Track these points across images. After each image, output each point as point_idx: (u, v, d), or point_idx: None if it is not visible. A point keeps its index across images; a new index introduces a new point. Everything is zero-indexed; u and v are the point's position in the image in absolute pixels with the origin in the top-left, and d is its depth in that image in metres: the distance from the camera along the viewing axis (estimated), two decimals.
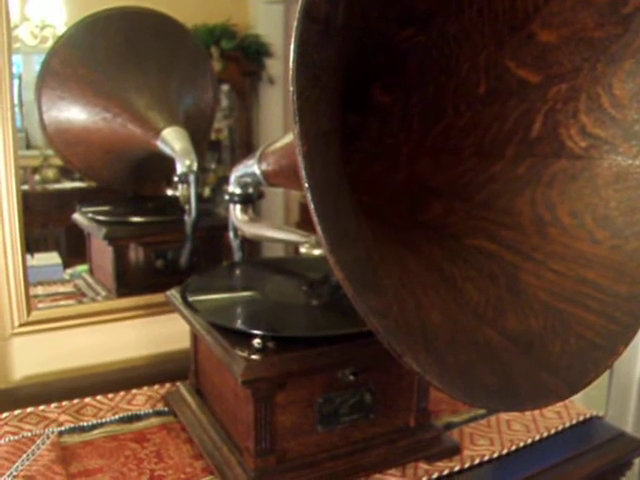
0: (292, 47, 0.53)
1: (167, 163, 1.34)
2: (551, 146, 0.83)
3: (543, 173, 0.84)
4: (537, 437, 1.09)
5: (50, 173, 1.37)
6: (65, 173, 1.39)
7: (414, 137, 0.93)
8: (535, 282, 0.80)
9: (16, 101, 1.25)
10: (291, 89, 0.53)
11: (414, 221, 0.90)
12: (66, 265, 1.40)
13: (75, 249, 1.42)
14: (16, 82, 1.26)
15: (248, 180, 1.13)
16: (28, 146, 1.34)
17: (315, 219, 0.54)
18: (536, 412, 1.15)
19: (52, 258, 1.37)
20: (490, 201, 0.86)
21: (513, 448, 1.05)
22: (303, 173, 0.53)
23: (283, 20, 1.52)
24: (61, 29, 1.28)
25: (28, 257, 1.26)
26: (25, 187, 1.25)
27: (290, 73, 0.53)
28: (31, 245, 1.28)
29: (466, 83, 0.87)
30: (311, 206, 0.53)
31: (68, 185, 1.40)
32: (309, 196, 0.53)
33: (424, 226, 0.89)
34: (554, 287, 0.79)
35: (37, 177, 1.36)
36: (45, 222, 1.36)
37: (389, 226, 0.85)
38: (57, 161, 1.37)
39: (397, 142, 0.95)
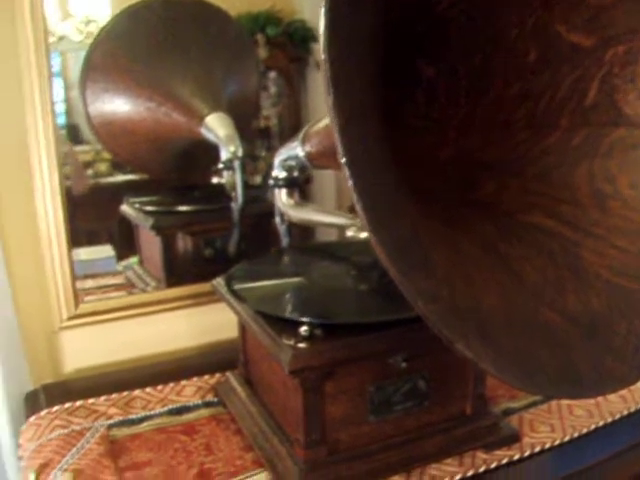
0: (322, 12, 0.50)
1: (213, 151, 1.31)
2: (608, 114, 0.78)
3: (600, 143, 0.79)
4: (601, 423, 1.03)
5: (102, 167, 1.36)
6: (117, 166, 1.38)
7: (462, 111, 0.89)
8: (596, 259, 0.75)
9: (62, 97, 1.27)
10: (323, 57, 0.50)
11: (465, 199, 0.85)
12: (120, 257, 1.39)
13: (129, 241, 1.42)
14: (60, 80, 1.26)
15: (292, 163, 1.10)
16: (80, 141, 1.33)
17: (354, 196, 0.50)
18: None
19: (105, 251, 1.37)
20: (545, 175, 0.82)
21: (576, 435, 1.00)
22: (340, 147, 0.50)
23: None
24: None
25: (81, 250, 1.27)
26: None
27: (321, 41, 0.50)
28: (85, 238, 1.30)
29: (514, 51, 0.82)
30: (349, 182, 0.50)
31: (120, 178, 1.39)
32: (347, 172, 0.49)
33: (476, 204, 0.84)
34: (617, 264, 0.75)
35: (90, 171, 1.35)
36: (99, 215, 1.36)
37: (438, 204, 0.80)
38: (109, 155, 1.36)
39: (444, 116, 0.90)
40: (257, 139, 1.51)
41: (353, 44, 0.53)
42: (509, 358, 0.60)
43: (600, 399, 1.09)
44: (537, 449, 0.96)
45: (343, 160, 0.50)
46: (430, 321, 0.54)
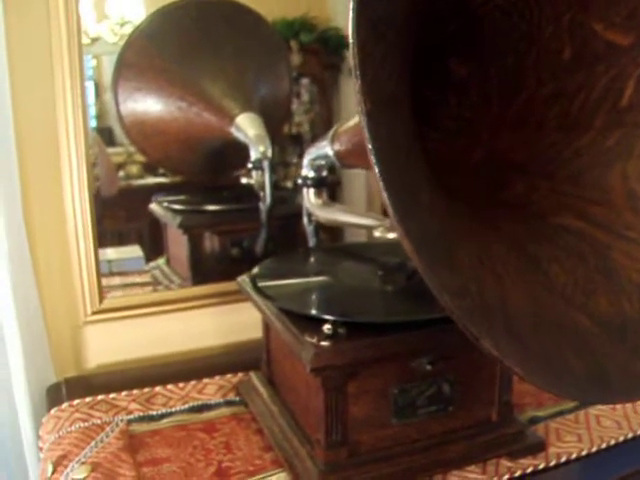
0: None
1: (243, 151, 1.31)
2: None
3: (635, 144, 0.77)
4: (630, 435, 1.00)
5: (134, 169, 1.37)
6: (148, 169, 1.39)
7: (494, 111, 0.87)
8: (628, 263, 0.73)
9: (96, 100, 1.29)
10: (350, 41, 0.48)
11: (494, 199, 0.84)
12: (149, 259, 1.40)
13: (158, 243, 1.42)
14: (94, 82, 1.29)
15: (322, 162, 1.09)
16: (113, 143, 1.34)
17: (380, 185, 0.49)
18: (629, 407, 1.07)
19: (134, 251, 1.37)
20: (577, 176, 0.80)
21: (603, 446, 0.97)
22: (366, 133, 0.48)
23: None
24: None
25: (110, 250, 1.29)
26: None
27: (349, 24, 0.49)
28: (116, 239, 1.32)
29: (549, 50, 0.80)
30: (376, 170, 0.48)
31: (151, 180, 1.40)
32: (373, 158, 0.48)
33: (505, 204, 0.82)
34: None
35: (121, 173, 1.36)
36: (129, 217, 1.36)
37: (467, 203, 0.79)
38: (140, 157, 1.37)
39: (476, 117, 0.89)
40: (289, 145, 1.50)
41: (383, 29, 0.51)
42: (536, 359, 0.58)
43: (629, 411, 1.06)
44: (563, 459, 0.94)
45: (369, 146, 0.48)
46: (456, 316, 0.53)
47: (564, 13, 0.76)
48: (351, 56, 0.49)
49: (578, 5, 0.75)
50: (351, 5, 0.49)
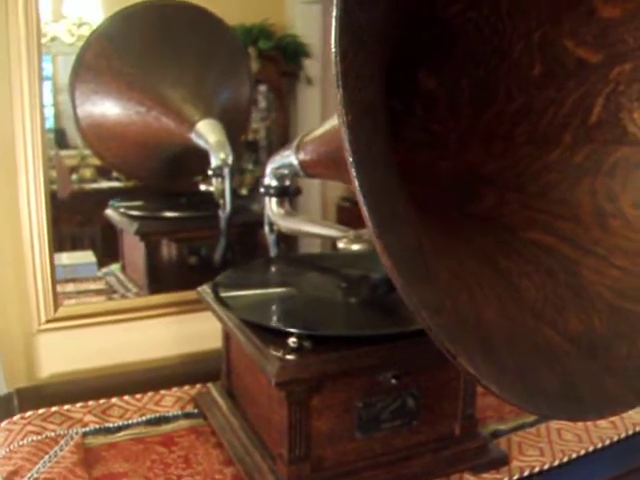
0: (335, 3, 0.48)
1: (202, 158, 1.29)
2: (612, 132, 0.77)
3: (604, 161, 0.78)
4: (590, 448, 1.01)
5: (87, 172, 1.35)
6: (102, 173, 1.37)
7: (463, 124, 0.87)
8: (597, 279, 0.73)
9: (51, 101, 1.25)
10: (333, 50, 0.47)
11: (464, 212, 0.83)
12: (101, 264, 1.37)
13: (111, 248, 1.40)
14: (49, 83, 1.25)
15: (285, 172, 1.08)
16: (66, 146, 1.31)
17: (360, 198, 0.48)
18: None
19: (87, 256, 1.34)
20: (546, 191, 0.80)
21: (565, 459, 0.98)
22: (347, 145, 0.47)
23: (321, 20, 1.47)
24: None
25: (62, 255, 1.24)
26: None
27: (332, 32, 0.47)
28: (68, 243, 1.29)
29: (519, 65, 0.80)
30: (355, 183, 0.47)
31: (105, 184, 1.38)
32: (353, 171, 0.47)
33: (475, 217, 0.82)
34: (618, 284, 0.73)
35: (74, 176, 1.33)
36: (82, 221, 1.34)
37: (436, 216, 0.78)
38: (94, 161, 1.34)
39: (445, 129, 0.88)
40: (244, 152, 1.49)
41: (364, 38, 0.50)
42: (511, 376, 0.57)
43: (590, 425, 1.07)
44: (526, 473, 0.93)
45: (350, 159, 0.47)
46: (433, 334, 0.52)
47: (536, 29, 0.76)
48: (333, 65, 0.48)
49: (550, 22, 0.75)
50: (334, 13, 0.48)
